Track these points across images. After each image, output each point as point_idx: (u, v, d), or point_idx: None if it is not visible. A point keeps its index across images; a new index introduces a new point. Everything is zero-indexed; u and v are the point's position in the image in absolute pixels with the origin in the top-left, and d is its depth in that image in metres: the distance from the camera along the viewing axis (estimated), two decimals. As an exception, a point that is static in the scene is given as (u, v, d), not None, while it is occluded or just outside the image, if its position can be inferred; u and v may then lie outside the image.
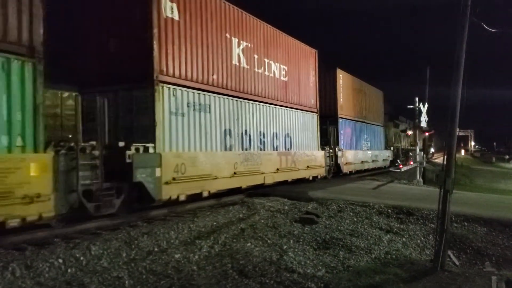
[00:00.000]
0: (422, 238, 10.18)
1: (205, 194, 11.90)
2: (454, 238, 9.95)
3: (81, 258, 7.04)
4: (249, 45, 14.73)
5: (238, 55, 14.11)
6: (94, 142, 8.90)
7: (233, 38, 13.84)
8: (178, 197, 10.83)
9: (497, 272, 8.10)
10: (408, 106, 29.84)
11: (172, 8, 11.14)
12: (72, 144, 8.48)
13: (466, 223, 11.01)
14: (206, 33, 12.55)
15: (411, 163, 28.00)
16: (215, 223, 10.01)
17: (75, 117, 9.23)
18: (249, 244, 8.71)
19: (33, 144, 7.76)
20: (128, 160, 9.38)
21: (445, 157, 8.19)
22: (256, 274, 7.00)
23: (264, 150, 15.24)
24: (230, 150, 13.27)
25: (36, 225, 7.85)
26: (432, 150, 71.42)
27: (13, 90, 7.52)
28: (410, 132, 29.55)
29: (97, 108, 9.21)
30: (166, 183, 10.37)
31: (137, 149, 9.69)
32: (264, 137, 15.34)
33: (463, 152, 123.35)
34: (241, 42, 14.28)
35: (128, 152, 9.40)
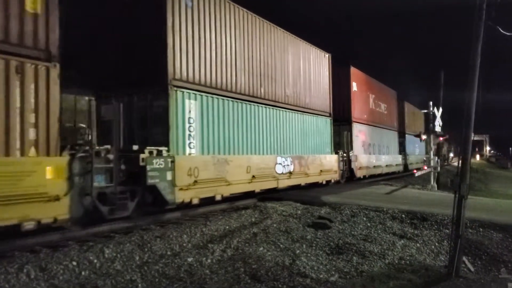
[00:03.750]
0: (437, 244, 10.05)
1: (374, 173, 25.55)
2: (469, 244, 9.80)
3: (95, 260, 7.11)
4: (374, 95, 26.69)
5: (371, 102, 26.12)
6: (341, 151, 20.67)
7: (370, 94, 25.99)
8: (363, 176, 23.67)
9: (513, 279, 7.95)
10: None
11: (355, 85, 23.24)
12: (342, 151, 20.45)
13: (481, 229, 10.85)
14: (362, 94, 24.46)
15: (425, 168, 27.70)
16: (227, 227, 10.02)
17: (349, 140, 21.69)
18: (261, 248, 8.69)
19: (331, 150, 19.21)
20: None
21: (460, 162, 8.09)
22: (269, 279, 6.98)
23: (380, 154, 27.23)
24: (370, 154, 25.17)
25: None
26: (451, 154, 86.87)
27: (327, 129, 19.12)
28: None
29: (344, 136, 20.96)
30: (358, 169, 22.61)
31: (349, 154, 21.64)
32: (379, 147, 27.13)
33: (478, 157, 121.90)
34: (372, 95, 26.25)
35: (350, 155, 21.48)
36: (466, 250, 9.27)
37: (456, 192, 7.89)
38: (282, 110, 15.53)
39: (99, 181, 8.71)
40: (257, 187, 13.57)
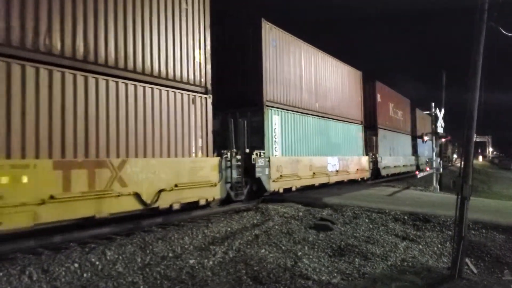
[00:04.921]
0: (439, 245, 10.01)
1: (394, 172, 29.14)
2: (471, 245, 9.76)
3: (97, 262, 7.11)
4: (393, 104, 30.29)
5: (391, 110, 29.66)
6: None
7: (390, 103, 29.50)
8: (387, 175, 27.16)
9: (516, 281, 7.92)
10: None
11: (379, 97, 26.68)
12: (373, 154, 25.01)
13: (484, 230, 10.81)
14: (384, 103, 27.89)
15: (427, 169, 27.73)
16: (229, 229, 10.01)
17: (375, 144, 25.33)
18: (263, 250, 8.68)
19: (363, 153, 22.89)
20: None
21: (462, 163, 8.06)
22: (271, 281, 6.96)
23: (399, 156, 30.87)
24: (391, 155, 28.57)
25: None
26: (455, 156, 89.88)
27: (360, 134, 22.70)
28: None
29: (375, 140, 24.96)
30: (383, 169, 26.31)
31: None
32: (397, 149, 30.72)
33: (480, 158, 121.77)
34: (391, 104, 29.81)
35: (376, 157, 25.59)
36: (468, 251, 9.23)
37: (458, 193, 7.86)
38: (330, 120, 19.52)
39: (233, 174, 12.50)
40: (316, 181, 17.54)
